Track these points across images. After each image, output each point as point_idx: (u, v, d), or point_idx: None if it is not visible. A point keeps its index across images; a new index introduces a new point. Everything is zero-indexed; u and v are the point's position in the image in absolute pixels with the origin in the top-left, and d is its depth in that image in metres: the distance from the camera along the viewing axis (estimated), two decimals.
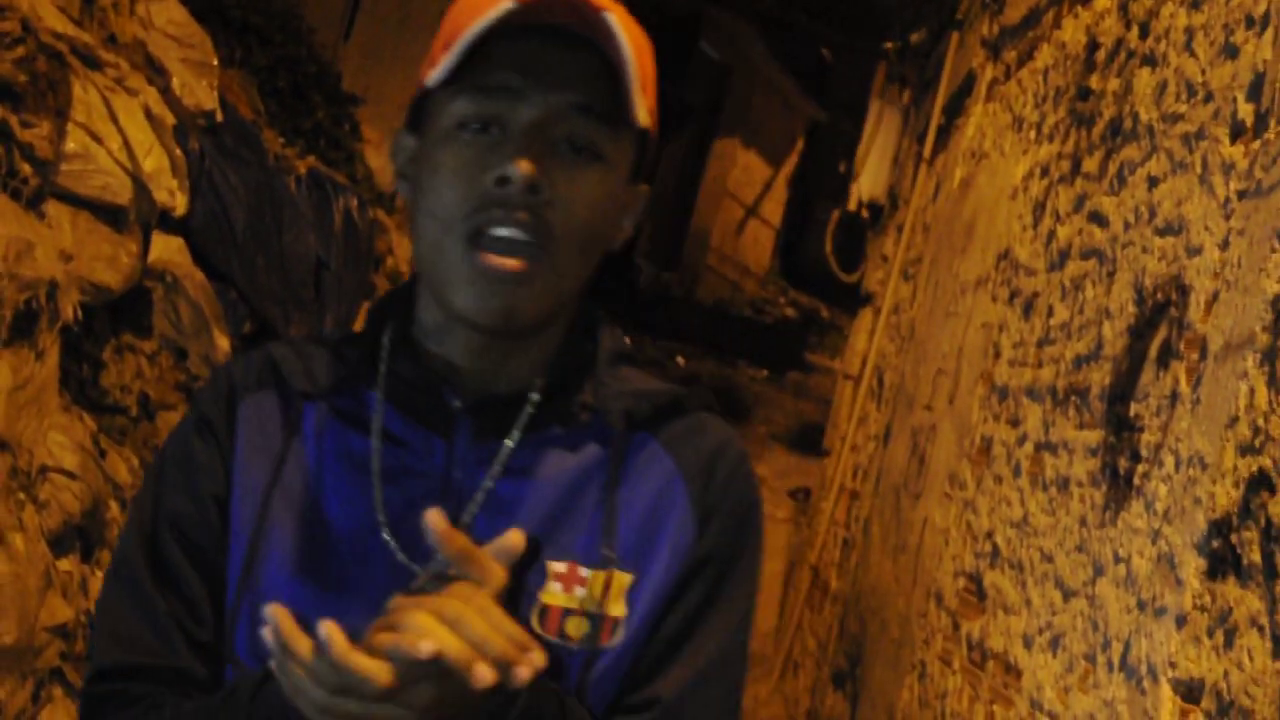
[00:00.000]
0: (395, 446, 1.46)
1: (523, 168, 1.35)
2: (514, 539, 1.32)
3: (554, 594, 1.41)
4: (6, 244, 3.65)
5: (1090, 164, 3.81)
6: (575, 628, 1.41)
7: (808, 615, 7.35)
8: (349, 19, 8.84)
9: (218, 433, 1.49)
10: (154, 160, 4.38)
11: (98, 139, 4.25)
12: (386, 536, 1.42)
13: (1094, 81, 4.00)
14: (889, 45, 9.15)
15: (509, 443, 1.44)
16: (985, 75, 5.90)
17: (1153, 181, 3.25)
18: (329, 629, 1.19)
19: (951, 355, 5.04)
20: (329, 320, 6.00)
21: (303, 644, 1.22)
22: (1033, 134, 4.68)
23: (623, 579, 1.43)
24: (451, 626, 1.21)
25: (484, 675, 1.19)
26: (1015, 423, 3.96)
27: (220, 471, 1.48)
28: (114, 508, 4.34)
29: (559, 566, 1.42)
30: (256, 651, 1.37)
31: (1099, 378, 3.31)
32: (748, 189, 22.93)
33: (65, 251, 4.03)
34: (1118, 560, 2.93)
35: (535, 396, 1.47)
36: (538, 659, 1.23)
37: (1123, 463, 3.03)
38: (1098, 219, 3.61)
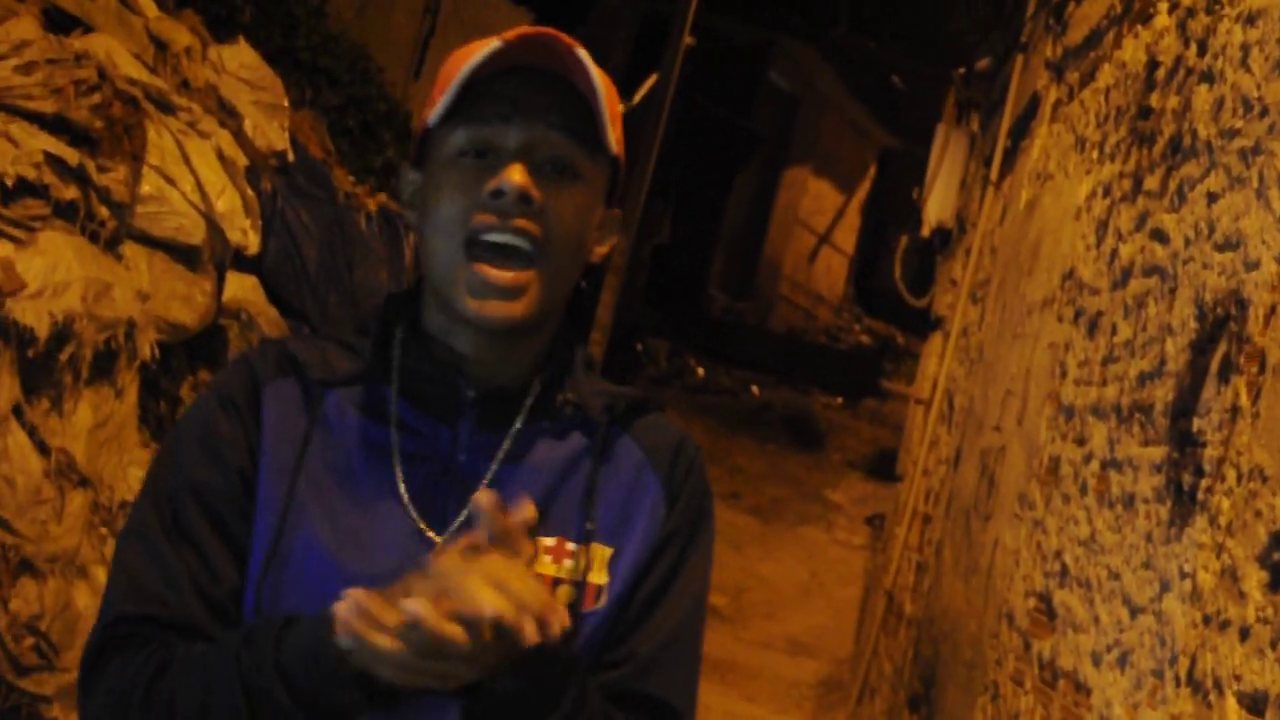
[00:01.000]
0: (408, 434, 1.64)
1: (515, 178, 1.56)
2: (529, 510, 1.48)
3: (545, 565, 1.60)
4: (86, 285, 3.75)
5: (1151, 182, 3.81)
6: (564, 595, 1.60)
7: (884, 640, 7.33)
8: (419, 58, 8.96)
9: (243, 414, 1.63)
10: (226, 201, 4.47)
11: (171, 181, 4.35)
12: (413, 514, 1.60)
13: (1154, 100, 4.00)
14: (959, 71, 9.16)
15: (516, 427, 1.65)
16: (1049, 97, 5.90)
17: (1211, 198, 3.25)
18: (417, 605, 1.33)
19: (1020, 376, 5.03)
20: None
21: (391, 616, 1.35)
22: (1095, 154, 4.68)
23: (604, 552, 1.63)
24: (499, 589, 1.36)
25: (531, 633, 1.35)
26: (1081, 441, 3.96)
27: (245, 448, 1.62)
28: None
29: (548, 541, 1.62)
30: (292, 608, 1.52)
31: (1162, 394, 3.30)
32: (819, 217, 22.91)
33: (142, 292, 4.12)
34: (1183, 575, 2.92)
35: (537, 389, 1.67)
36: (564, 617, 1.40)
37: (1186, 478, 3.03)
38: (1159, 236, 3.61)
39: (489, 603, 1.33)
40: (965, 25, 9.37)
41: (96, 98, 4.03)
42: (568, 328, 1.73)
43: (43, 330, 3.65)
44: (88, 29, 4.51)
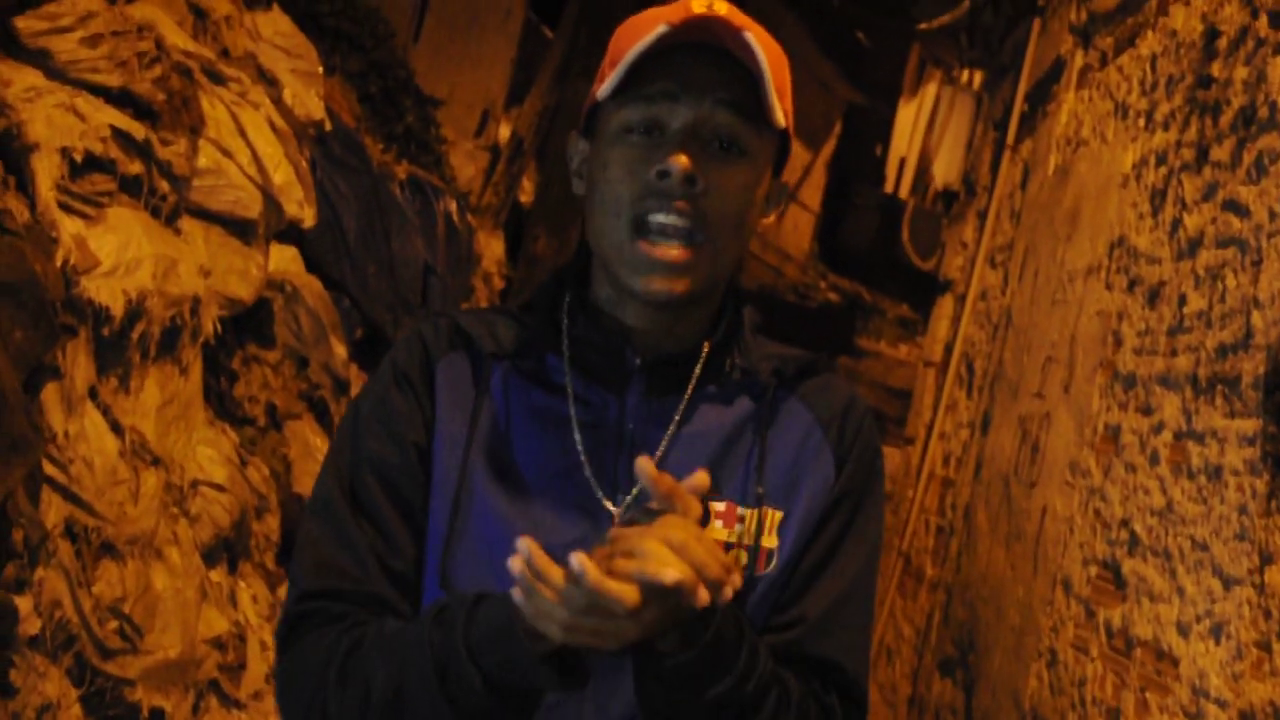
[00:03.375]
0: (578, 403, 1.66)
1: (680, 162, 1.56)
2: (701, 478, 1.45)
3: (717, 530, 1.62)
4: (155, 262, 3.71)
5: (1220, 153, 3.82)
6: (736, 559, 1.61)
7: (900, 602, 7.37)
8: (418, 21, 8.87)
9: (416, 388, 1.67)
10: (283, 173, 4.42)
11: (228, 154, 4.30)
12: (590, 477, 1.62)
13: (1216, 70, 4.01)
14: (921, 26, 9.16)
15: (686, 394, 1.66)
16: (1075, 62, 5.90)
17: None
18: (581, 560, 1.32)
19: (1063, 343, 5.05)
20: None
21: (556, 572, 1.34)
22: (1141, 122, 4.69)
23: (774, 515, 1.64)
24: (678, 553, 1.35)
25: (704, 597, 1.34)
26: (1148, 411, 3.98)
27: (420, 422, 1.66)
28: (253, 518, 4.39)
29: (719, 506, 1.63)
30: (474, 580, 1.55)
31: (1251, 367, 3.32)
32: (788, 175, 22.74)
33: (204, 267, 4.08)
34: None
35: (705, 354, 1.68)
36: (737, 580, 1.39)
37: None
38: (1235, 208, 3.62)
39: (671, 568, 1.33)
40: None
41: (158, 70, 3.98)
42: (735, 293, 1.74)
43: (118, 309, 3.62)
44: None
